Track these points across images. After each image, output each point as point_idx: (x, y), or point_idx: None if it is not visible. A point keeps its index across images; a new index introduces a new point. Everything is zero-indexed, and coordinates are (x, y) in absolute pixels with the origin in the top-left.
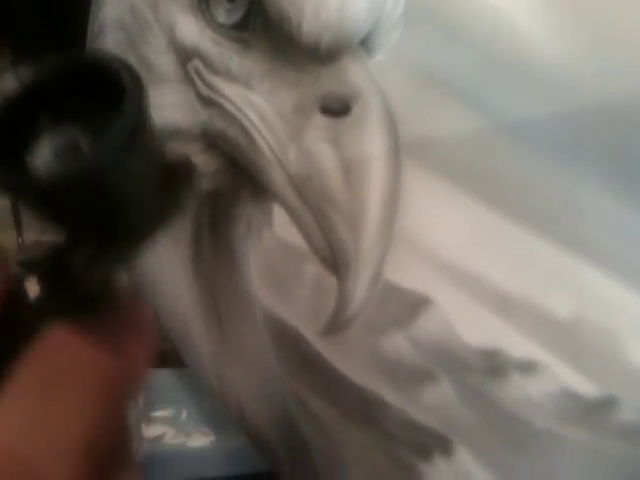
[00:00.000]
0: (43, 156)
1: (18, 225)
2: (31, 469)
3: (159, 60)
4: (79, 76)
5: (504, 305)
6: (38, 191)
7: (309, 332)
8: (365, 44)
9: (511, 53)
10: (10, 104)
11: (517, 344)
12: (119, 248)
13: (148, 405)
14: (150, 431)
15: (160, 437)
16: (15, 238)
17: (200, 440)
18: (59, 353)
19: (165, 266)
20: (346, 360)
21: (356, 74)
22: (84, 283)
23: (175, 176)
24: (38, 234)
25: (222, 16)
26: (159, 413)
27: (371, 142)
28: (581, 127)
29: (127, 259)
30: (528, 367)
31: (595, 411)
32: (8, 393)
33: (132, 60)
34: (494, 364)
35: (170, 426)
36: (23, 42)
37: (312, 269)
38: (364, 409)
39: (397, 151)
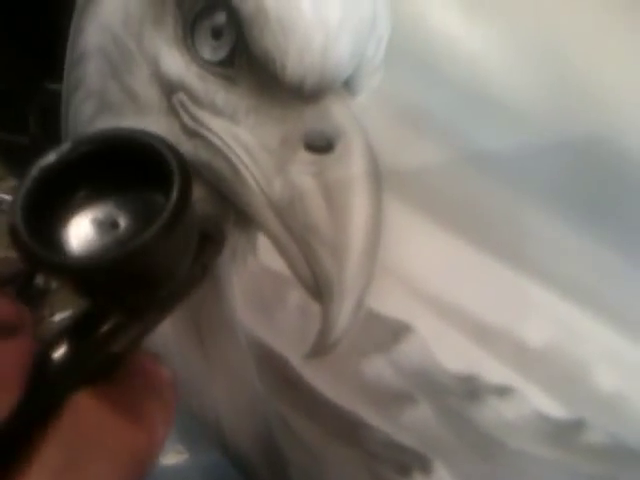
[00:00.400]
0: (80, 231)
1: None
2: None
3: (143, 91)
4: (117, 152)
5: (481, 333)
6: (77, 273)
7: (293, 356)
8: (348, 85)
9: (484, 92)
10: (48, 176)
11: (493, 370)
12: (147, 316)
13: None
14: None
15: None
16: None
17: (174, 458)
18: (85, 424)
19: None
20: (329, 383)
21: (339, 113)
22: (110, 349)
23: (206, 245)
24: (5, 250)
25: (207, 53)
26: None
27: (354, 177)
28: (549, 162)
29: (154, 327)
30: (503, 392)
31: (565, 432)
32: (34, 462)
33: (115, 89)
34: (471, 388)
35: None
36: None
37: (296, 295)
38: (346, 429)
39: (379, 185)
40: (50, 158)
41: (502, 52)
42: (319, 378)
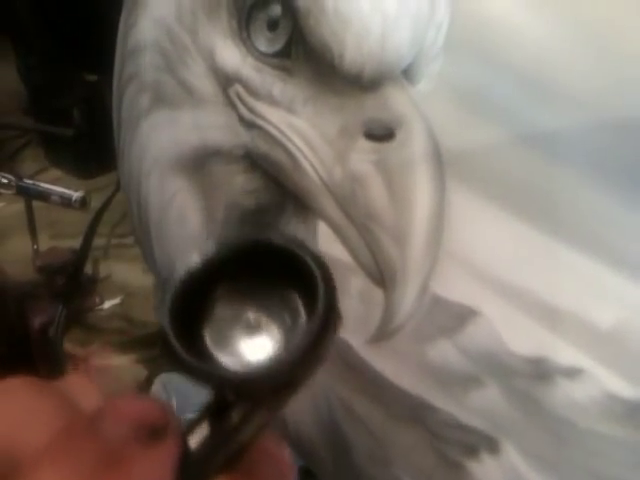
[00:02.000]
0: (222, 332)
1: (33, 232)
2: None
3: (199, 84)
4: (258, 256)
5: (549, 315)
6: (226, 384)
7: (356, 341)
8: (407, 73)
9: (543, 77)
10: (193, 279)
11: (562, 352)
12: (273, 406)
13: (183, 408)
14: None
15: None
16: (29, 244)
17: None
18: None
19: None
20: (393, 366)
21: (399, 102)
22: (240, 438)
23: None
24: (51, 241)
25: (263, 45)
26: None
27: (415, 164)
28: (607, 140)
29: (280, 412)
30: (573, 373)
31: (635, 412)
32: None
33: (171, 83)
34: (540, 370)
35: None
36: (25, 40)
37: (358, 282)
38: (411, 412)
39: (441, 171)
40: (196, 263)
41: (562, 38)
42: (383, 362)
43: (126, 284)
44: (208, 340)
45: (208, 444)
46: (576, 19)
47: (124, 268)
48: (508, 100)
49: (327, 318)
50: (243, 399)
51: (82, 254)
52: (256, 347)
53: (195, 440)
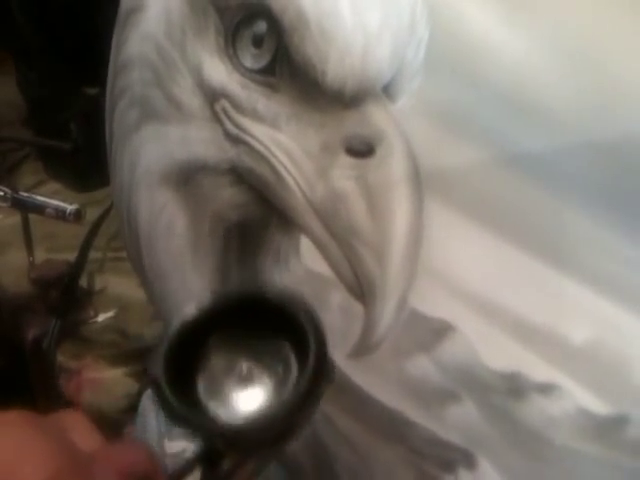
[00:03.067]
0: (215, 380)
1: (29, 244)
2: None
3: (187, 99)
4: (250, 307)
5: (524, 332)
6: (219, 438)
7: (337, 355)
8: (388, 89)
9: (522, 95)
10: (187, 329)
11: (537, 368)
12: (263, 457)
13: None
14: (172, 447)
15: (182, 452)
16: (26, 257)
17: None
18: None
19: (192, 294)
20: (373, 382)
21: (379, 117)
22: None
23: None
24: (47, 253)
25: (249, 61)
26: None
27: (395, 180)
28: (584, 161)
29: (267, 466)
30: (547, 389)
31: (608, 428)
32: None
33: (160, 98)
34: (515, 386)
35: (192, 441)
36: (25, 53)
37: (338, 296)
38: (391, 427)
39: (420, 188)
40: (190, 313)
41: (541, 56)
42: (363, 377)
43: (121, 297)
44: (201, 389)
45: None
46: (557, 39)
47: (119, 281)
48: (487, 119)
49: (317, 373)
50: (233, 451)
51: (77, 267)
52: (248, 398)
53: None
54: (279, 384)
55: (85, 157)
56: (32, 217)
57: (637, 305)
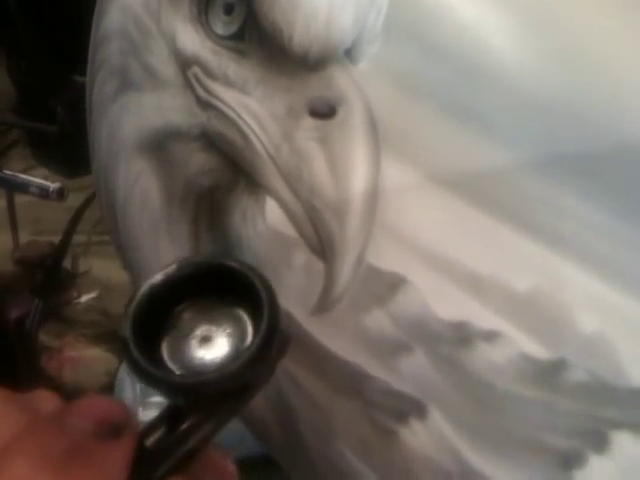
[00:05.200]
0: (178, 342)
1: (13, 225)
2: None
3: (161, 67)
4: (214, 275)
5: (472, 283)
6: (182, 391)
7: (299, 314)
8: (349, 54)
9: (481, 62)
10: (154, 292)
11: (483, 317)
12: (222, 414)
13: (144, 390)
14: (146, 416)
15: None
16: (10, 239)
17: None
18: None
19: (163, 258)
20: (333, 337)
21: (341, 80)
22: (188, 444)
23: (278, 348)
24: (31, 234)
25: (220, 28)
26: (155, 399)
27: (355, 141)
28: (542, 128)
29: (226, 425)
30: (492, 336)
31: (548, 372)
32: None
33: (136, 67)
34: (463, 335)
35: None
36: (16, 41)
37: (301, 256)
38: (350, 381)
39: (378, 148)
40: (158, 278)
41: (497, 19)
42: (324, 333)
43: (104, 279)
44: (165, 352)
45: (162, 446)
46: (518, 4)
47: (103, 264)
48: (444, 80)
49: (269, 337)
50: (194, 407)
51: (61, 248)
52: (207, 360)
53: (151, 441)
54: (236, 346)
55: (71, 143)
56: (18, 202)
57: (577, 254)
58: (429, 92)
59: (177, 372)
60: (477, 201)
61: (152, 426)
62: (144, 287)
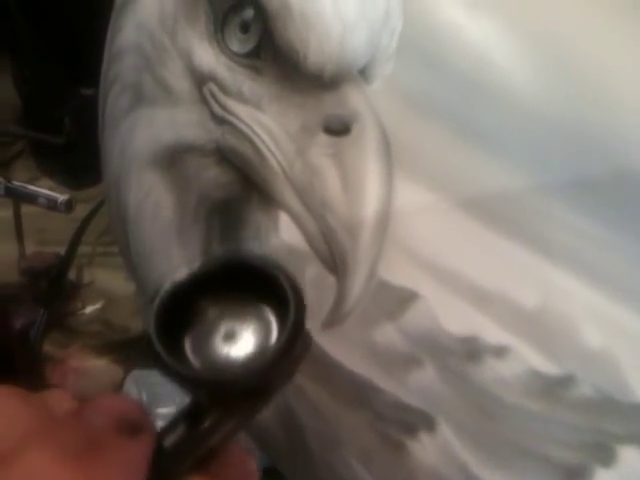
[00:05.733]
0: (202, 339)
1: (19, 236)
2: None
3: (176, 83)
4: (238, 272)
5: (481, 298)
6: (205, 387)
7: (309, 327)
8: (363, 73)
9: (488, 82)
10: (179, 289)
11: (491, 332)
12: (244, 413)
13: (151, 402)
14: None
15: None
16: (16, 250)
17: None
18: None
19: (175, 271)
20: (342, 350)
21: (355, 99)
22: (210, 443)
23: (301, 347)
24: (37, 245)
25: (236, 46)
26: (162, 410)
27: (368, 158)
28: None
29: (249, 423)
30: (500, 351)
31: (555, 387)
32: None
33: (150, 82)
34: (472, 349)
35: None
36: (22, 53)
37: (313, 270)
38: (358, 394)
39: (390, 165)
40: (182, 274)
41: (504, 43)
42: (334, 346)
43: (108, 291)
44: (188, 348)
45: (181, 445)
46: (522, 26)
47: (107, 275)
48: (453, 101)
49: (295, 335)
50: (216, 404)
51: (66, 258)
52: (231, 356)
53: (170, 440)
54: (260, 344)
55: (77, 154)
56: (23, 212)
57: (584, 272)
58: (439, 111)
59: (200, 368)
60: (486, 219)
61: (171, 425)
62: (168, 283)
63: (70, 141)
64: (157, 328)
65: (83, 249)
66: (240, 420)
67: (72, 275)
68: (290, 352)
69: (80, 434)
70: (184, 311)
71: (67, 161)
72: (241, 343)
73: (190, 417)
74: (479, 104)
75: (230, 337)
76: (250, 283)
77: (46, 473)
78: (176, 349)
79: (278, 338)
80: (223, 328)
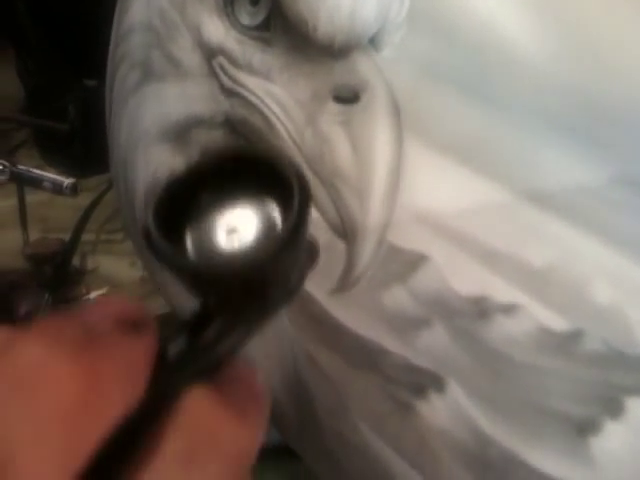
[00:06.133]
0: (203, 233)
1: (24, 222)
2: None
3: (186, 57)
4: (242, 164)
5: (490, 258)
6: (198, 275)
7: (319, 292)
8: (373, 41)
9: (499, 53)
10: (177, 183)
11: (501, 290)
12: (250, 322)
13: None
14: None
15: None
16: (20, 237)
17: None
18: (202, 416)
19: None
20: (352, 315)
21: (365, 67)
22: (214, 353)
23: (305, 258)
24: (42, 232)
25: (245, 19)
26: None
27: (377, 125)
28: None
29: (255, 333)
30: (510, 309)
31: (565, 342)
32: (160, 449)
33: (160, 58)
34: (481, 308)
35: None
36: (26, 44)
37: (324, 236)
38: (366, 357)
39: (400, 131)
40: (181, 167)
41: (516, 12)
42: (343, 311)
43: (112, 277)
44: (189, 244)
45: (183, 355)
46: None
47: (111, 262)
48: (463, 68)
49: (298, 225)
50: (218, 306)
51: (71, 244)
52: (234, 249)
53: (172, 350)
54: (262, 237)
55: (80, 144)
56: (27, 202)
57: (592, 227)
58: (449, 77)
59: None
60: (494, 179)
61: (174, 334)
62: (167, 177)
63: (74, 128)
64: (156, 222)
65: (87, 237)
66: (246, 327)
67: (76, 262)
68: (294, 243)
69: (78, 329)
70: (184, 206)
71: (70, 150)
72: (243, 237)
73: (193, 327)
74: (491, 71)
75: (232, 231)
76: (253, 176)
77: (41, 364)
78: (176, 244)
79: (281, 229)
80: (225, 222)
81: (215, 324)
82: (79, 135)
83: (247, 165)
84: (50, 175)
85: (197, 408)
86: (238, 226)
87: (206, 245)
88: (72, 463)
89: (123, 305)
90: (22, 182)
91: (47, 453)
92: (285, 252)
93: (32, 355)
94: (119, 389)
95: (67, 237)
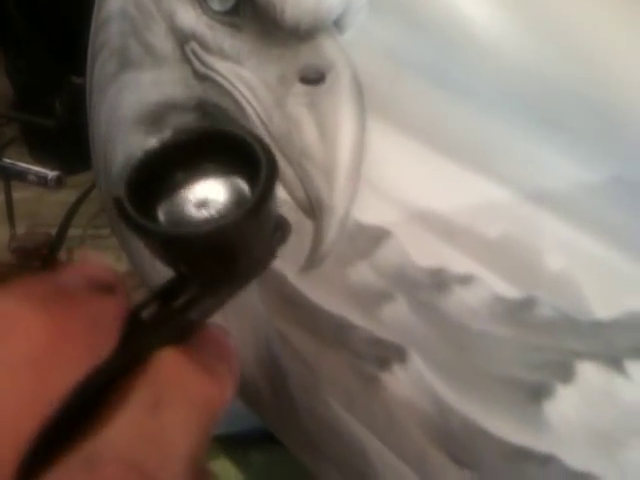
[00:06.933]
0: (174, 206)
1: (10, 214)
2: (143, 473)
3: (160, 44)
4: (213, 142)
5: (448, 232)
6: (168, 240)
7: (289, 271)
8: (337, 23)
9: (462, 36)
10: (149, 158)
11: (458, 262)
12: (221, 290)
13: None
14: None
15: None
16: (6, 232)
17: None
18: (169, 372)
19: None
20: (320, 292)
21: (330, 49)
22: (188, 315)
23: (276, 231)
24: (29, 227)
25: (216, 4)
26: None
27: (342, 105)
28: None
29: (226, 301)
30: (466, 280)
31: (518, 311)
32: (127, 399)
33: (136, 47)
34: (440, 280)
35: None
36: (14, 42)
37: (292, 216)
38: (335, 333)
39: (363, 111)
40: (154, 143)
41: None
42: (312, 289)
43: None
44: (161, 216)
45: (156, 318)
46: None
47: (98, 257)
48: (424, 55)
49: (264, 193)
50: (190, 276)
51: (58, 238)
52: (205, 218)
53: (145, 314)
54: (231, 209)
55: (68, 140)
56: (15, 198)
57: (545, 201)
58: (412, 59)
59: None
60: (454, 155)
61: (147, 300)
62: (139, 153)
63: (61, 125)
64: (128, 194)
65: (73, 232)
66: (215, 296)
67: (63, 257)
68: (258, 210)
69: (49, 285)
70: (156, 181)
71: (58, 147)
72: (213, 209)
73: (166, 293)
74: (456, 56)
75: (203, 205)
76: (223, 153)
77: (11, 314)
78: (149, 217)
79: (246, 202)
80: (196, 197)
81: (187, 290)
82: (66, 131)
83: (217, 143)
84: (35, 168)
85: (166, 364)
86: (208, 199)
87: (177, 217)
88: (40, 408)
89: (97, 268)
90: (8, 176)
91: (16, 397)
92: (250, 219)
93: (2, 306)
94: (88, 341)
95: (54, 232)
